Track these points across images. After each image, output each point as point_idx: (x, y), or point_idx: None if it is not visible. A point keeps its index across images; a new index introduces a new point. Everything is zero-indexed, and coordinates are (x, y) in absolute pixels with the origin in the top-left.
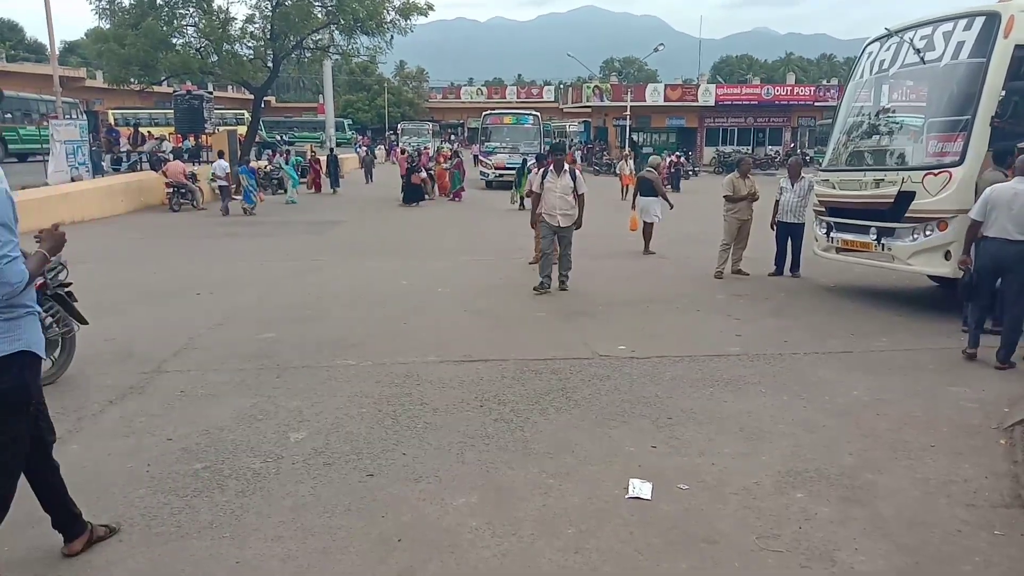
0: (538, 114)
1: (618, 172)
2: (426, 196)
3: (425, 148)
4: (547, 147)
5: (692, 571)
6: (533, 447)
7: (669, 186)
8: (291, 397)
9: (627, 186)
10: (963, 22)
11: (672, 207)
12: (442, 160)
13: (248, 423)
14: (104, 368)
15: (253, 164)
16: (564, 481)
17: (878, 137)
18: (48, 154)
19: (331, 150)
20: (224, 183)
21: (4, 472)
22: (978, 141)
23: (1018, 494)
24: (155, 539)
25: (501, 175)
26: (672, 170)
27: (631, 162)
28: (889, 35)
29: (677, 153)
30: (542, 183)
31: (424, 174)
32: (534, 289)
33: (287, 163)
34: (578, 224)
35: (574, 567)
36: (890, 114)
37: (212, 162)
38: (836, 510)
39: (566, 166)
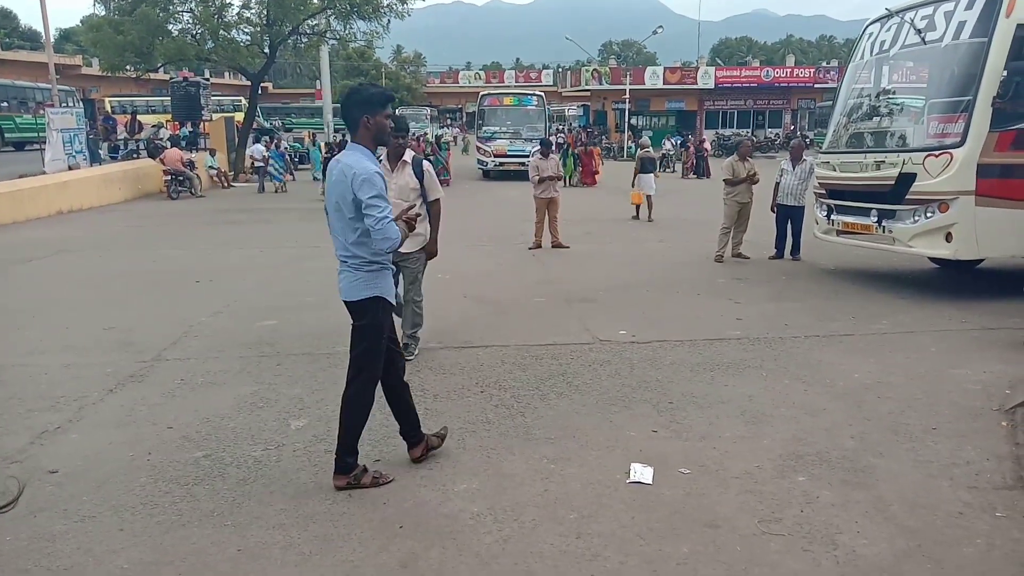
0: (542, 95)
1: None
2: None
3: (423, 134)
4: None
5: (693, 555)
6: (534, 432)
7: (693, 174)
8: (292, 384)
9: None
10: (964, 2)
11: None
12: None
13: (249, 411)
14: (104, 357)
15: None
16: (565, 466)
17: (879, 119)
18: (45, 142)
19: (342, 136)
20: (261, 164)
21: (369, 380)
22: (979, 122)
23: (1020, 476)
24: (156, 527)
25: (502, 164)
26: (699, 154)
27: (650, 151)
28: (890, 15)
29: (703, 138)
30: None
31: None
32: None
33: (314, 145)
34: (430, 250)
35: (575, 552)
36: (891, 95)
37: (209, 149)
38: (838, 493)
39: (408, 155)
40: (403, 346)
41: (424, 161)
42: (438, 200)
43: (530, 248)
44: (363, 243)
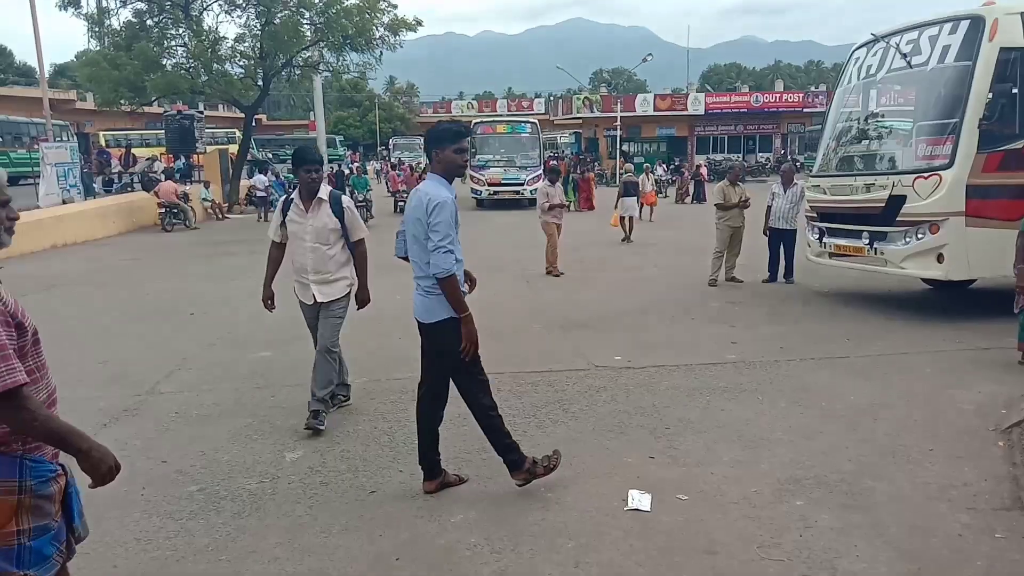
0: (536, 122)
1: (639, 190)
2: None
3: (417, 163)
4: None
5: None
6: None
7: (691, 198)
8: (286, 416)
9: (651, 205)
10: (948, 26)
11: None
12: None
13: (243, 443)
14: (97, 391)
15: (245, 182)
16: (562, 494)
17: (867, 142)
18: (39, 177)
19: (339, 167)
20: (263, 194)
21: (482, 390)
22: (967, 144)
23: (1018, 496)
24: (151, 563)
25: (496, 192)
26: (695, 180)
27: (653, 177)
28: (875, 40)
29: (700, 164)
30: (282, 223)
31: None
32: (306, 426)
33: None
34: (362, 298)
35: None
36: (879, 119)
37: (204, 181)
38: (836, 517)
39: (324, 192)
40: (311, 412)
41: (344, 197)
42: (362, 240)
43: (552, 274)
44: None
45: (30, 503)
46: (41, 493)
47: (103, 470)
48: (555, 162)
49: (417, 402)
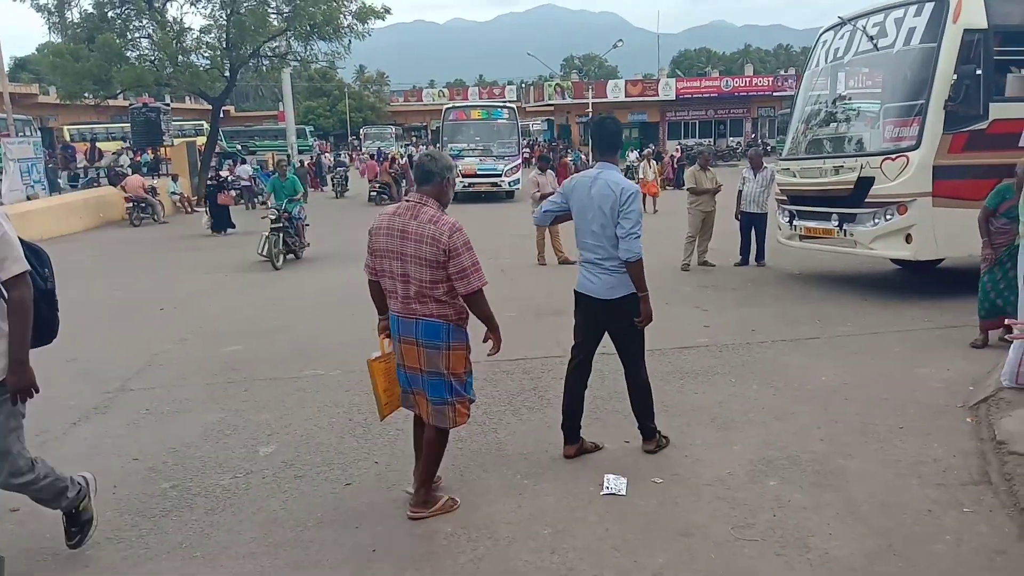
0: (513, 107)
1: (640, 178)
2: (389, 200)
3: (389, 151)
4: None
5: (668, 565)
6: (507, 448)
7: (672, 185)
8: (259, 410)
9: (654, 196)
10: (913, 8)
11: None
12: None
13: (216, 439)
14: (66, 389)
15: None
16: (539, 481)
17: (836, 124)
18: (2, 173)
19: (317, 158)
20: (248, 184)
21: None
22: (933, 125)
23: (985, 471)
24: (123, 563)
25: (472, 184)
26: (676, 165)
27: (655, 164)
28: (842, 23)
29: (677, 148)
30: None
31: (233, 193)
32: None
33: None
34: (16, 384)
35: (550, 567)
36: (846, 101)
37: (172, 175)
38: (809, 496)
39: None
40: None
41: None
42: (20, 278)
43: (568, 262)
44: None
45: (467, 355)
46: (470, 349)
47: (498, 341)
48: (528, 151)
49: (569, 371)
